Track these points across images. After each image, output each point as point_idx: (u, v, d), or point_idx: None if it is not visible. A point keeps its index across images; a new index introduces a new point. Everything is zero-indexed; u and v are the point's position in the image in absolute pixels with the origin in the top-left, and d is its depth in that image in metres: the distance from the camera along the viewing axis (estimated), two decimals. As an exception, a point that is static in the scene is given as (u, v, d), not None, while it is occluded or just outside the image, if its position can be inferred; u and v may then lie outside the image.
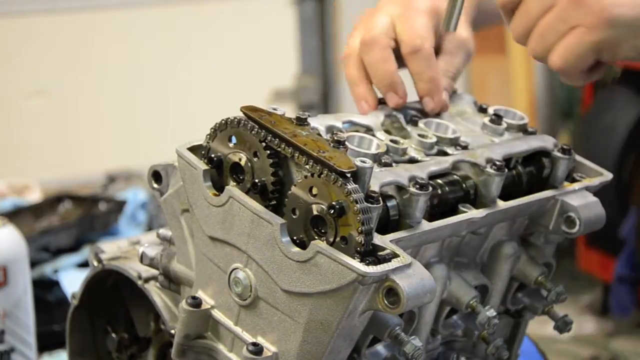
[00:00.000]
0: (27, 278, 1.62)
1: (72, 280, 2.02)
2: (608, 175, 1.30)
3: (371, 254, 1.01)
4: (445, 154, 1.22)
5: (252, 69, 5.06)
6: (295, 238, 1.05)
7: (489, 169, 1.17)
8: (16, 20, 4.68)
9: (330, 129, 1.20)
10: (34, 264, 2.07)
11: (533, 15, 1.01)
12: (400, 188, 1.10)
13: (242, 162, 1.10)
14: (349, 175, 1.01)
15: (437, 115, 1.31)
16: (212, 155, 1.12)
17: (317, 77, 5.29)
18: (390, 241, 1.04)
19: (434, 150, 1.23)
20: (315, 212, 1.03)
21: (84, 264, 2.16)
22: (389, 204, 1.09)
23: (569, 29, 0.98)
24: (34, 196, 2.74)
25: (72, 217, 2.50)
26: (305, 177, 1.04)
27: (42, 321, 1.77)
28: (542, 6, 1.00)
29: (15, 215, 2.40)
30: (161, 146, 2.91)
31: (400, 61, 1.31)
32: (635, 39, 0.95)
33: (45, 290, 2.05)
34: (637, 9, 0.95)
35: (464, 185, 1.18)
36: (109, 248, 1.34)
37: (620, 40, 0.96)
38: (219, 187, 1.11)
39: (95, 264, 1.33)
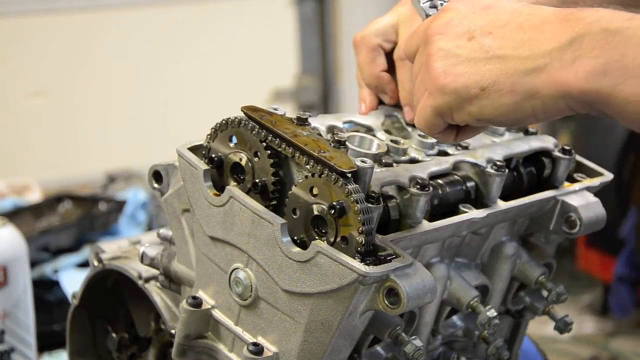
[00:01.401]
0: (27, 278, 1.62)
1: (72, 280, 2.02)
2: (608, 176, 1.30)
3: (372, 254, 1.01)
4: (446, 154, 1.22)
5: (252, 69, 5.05)
6: (295, 238, 1.05)
7: (489, 169, 1.17)
8: (16, 20, 4.68)
9: (331, 129, 1.20)
10: (34, 264, 2.07)
11: (414, 73, 1.05)
12: (400, 188, 1.10)
13: (243, 162, 1.10)
14: (349, 175, 1.01)
15: None
16: (213, 155, 1.11)
17: (317, 77, 5.29)
18: (391, 241, 1.04)
19: (435, 151, 1.23)
20: (315, 212, 1.03)
21: (84, 264, 2.16)
22: (390, 204, 1.09)
23: (424, 93, 1.02)
24: (34, 196, 2.74)
25: (72, 217, 2.50)
26: (306, 177, 1.04)
27: (42, 321, 1.78)
28: (417, 66, 1.04)
29: (15, 215, 2.40)
30: (161, 146, 2.92)
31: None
32: (467, 105, 0.98)
33: (45, 290, 2.05)
34: (464, 78, 0.98)
35: (464, 186, 1.18)
36: (109, 248, 1.33)
37: (452, 106, 0.99)
38: (220, 187, 1.11)
39: (96, 263, 1.33)
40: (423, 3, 1.12)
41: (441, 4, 1.11)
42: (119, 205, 2.52)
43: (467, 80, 0.98)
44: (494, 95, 0.97)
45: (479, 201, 1.18)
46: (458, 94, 0.99)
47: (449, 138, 1.05)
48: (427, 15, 1.10)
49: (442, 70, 0.99)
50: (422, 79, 1.02)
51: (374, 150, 1.16)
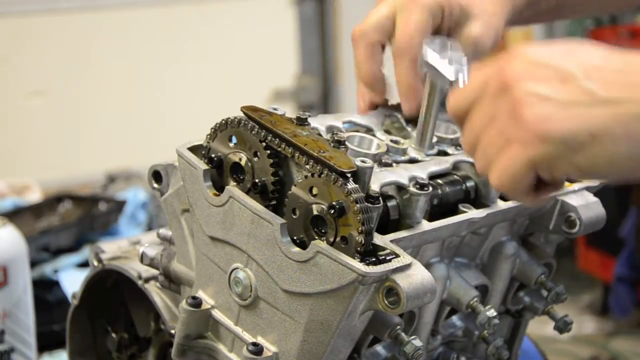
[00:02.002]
0: (27, 278, 1.62)
1: (72, 280, 2.02)
2: (608, 176, 1.29)
3: (371, 254, 1.01)
4: (446, 154, 1.22)
5: (252, 69, 5.06)
6: (295, 238, 1.04)
7: (489, 169, 1.17)
8: (16, 20, 4.69)
9: (331, 129, 1.20)
10: (34, 264, 2.07)
11: (477, 127, 0.95)
12: (400, 188, 1.10)
13: (243, 162, 1.10)
14: (349, 175, 1.01)
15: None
16: (213, 155, 1.11)
17: (317, 77, 5.30)
18: (391, 241, 1.04)
19: (434, 151, 1.23)
20: (315, 212, 1.03)
21: (84, 264, 2.17)
22: (389, 204, 1.09)
23: (507, 145, 0.91)
24: (34, 196, 2.75)
25: (72, 217, 2.50)
26: (306, 177, 1.04)
27: (42, 321, 1.78)
28: (485, 119, 0.93)
29: (15, 215, 2.41)
30: (161, 146, 2.91)
31: None
32: (573, 155, 0.88)
33: (45, 290, 2.05)
34: (571, 124, 0.88)
35: (464, 185, 1.18)
36: (109, 248, 1.33)
37: (555, 157, 0.89)
38: (219, 187, 1.11)
39: (96, 263, 1.33)
40: (430, 57, 1.04)
41: (461, 59, 1.04)
42: (119, 205, 2.53)
43: (575, 126, 0.87)
44: (607, 143, 0.87)
45: (479, 201, 1.18)
46: (564, 142, 0.87)
47: (529, 198, 0.95)
48: (450, 75, 1.03)
49: (541, 116, 0.88)
50: (502, 130, 0.91)
51: (373, 150, 1.16)
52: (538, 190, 0.94)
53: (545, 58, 0.91)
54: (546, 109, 0.88)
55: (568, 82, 0.89)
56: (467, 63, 1.03)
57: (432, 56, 1.04)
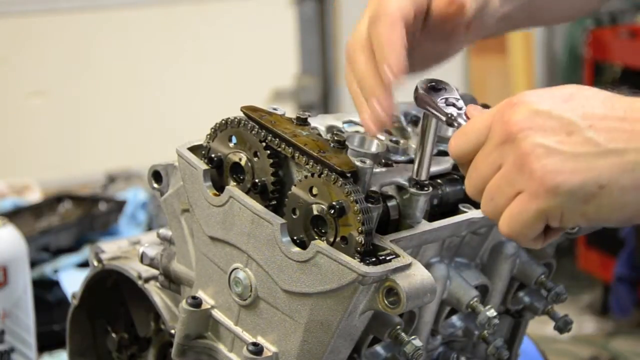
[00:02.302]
0: (27, 278, 1.62)
1: (72, 280, 2.02)
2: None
3: (371, 254, 1.01)
4: (446, 153, 1.22)
5: (252, 69, 5.06)
6: (295, 238, 1.05)
7: (489, 169, 1.17)
8: (16, 20, 4.68)
9: (331, 129, 1.20)
10: (34, 264, 2.07)
11: (482, 174, 0.96)
12: (400, 188, 1.10)
13: (242, 162, 1.10)
14: (349, 175, 1.01)
15: None
16: (213, 155, 1.11)
17: (317, 77, 5.29)
18: (391, 241, 1.04)
19: (435, 150, 1.22)
20: (315, 212, 1.03)
21: (84, 264, 2.17)
22: (389, 204, 1.09)
23: (515, 193, 0.93)
24: (34, 196, 2.74)
25: (72, 217, 2.50)
26: (306, 177, 1.04)
27: (42, 321, 1.77)
28: (490, 166, 0.95)
29: (15, 215, 2.40)
30: (161, 146, 2.92)
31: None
32: (582, 206, 0.90)
33: (45, 290, 2.05)
34: (579, 176, 0.89)
35: (464, 185, 1.18)
36: (109, 248, 1.33)
37: (564, 208, 0.90)
38: (219, 187, 1.11)
39: (96, 263, 1.33)
40: (439, 101, 1.03)
41: (457, 100, 1.03)
42: (119, 205, 2.53)
43: (583, 178, 0.89)
44: (616, 193, 0.89)
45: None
46: (573, 195, 0.89)
47: (538, 243, 0.96)
48: (448, 115, 1.02)
49: (549, 169, 0.90)
50: (510, 180, 0.92)
51: (373, 150, 1.16)
52: (546, 235, 0.96)
53: (548, 107, 0.92)
54: (554, 161, 0.90)
55: (573, 134, 0.90)
56: (463, 105, 1.04)
57: (427, 95, 1.04)
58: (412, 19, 1.10)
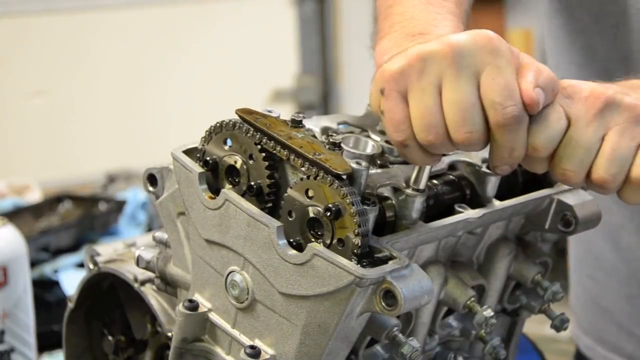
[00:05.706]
0: (27, 278, 1.62)
1: (72, 280, 2.03)
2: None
3: (368, 256, 1.01)
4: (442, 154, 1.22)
5: (252, 69, 5.06)
6: (291, 240, 1.04)
7: (484, 169, 1.17)
8: (16, 20, 4.69)
9: (326, 131, 1.20)
10: (34, 264, 2.08)
11: (591, 146, 0.99)
12: (396, 189, 1.10)
13: (238, 165, 1.09)
14: (344, 177, 1.01)
15: None
16: (208, 158, 1.11)
17: (317, 77, 5.29)
18: (387, 243, 1.04)
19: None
20: (311, 215, 1.03)
21: (84, 264, 2.17)
22: (385, 205, 1.09)
23: (638, 146, 0.99)
24: (34, 196, 2.75)
25: (72, 217, 2.51)
26: (301, 179, 1.04)
27: (42, 321, 1.78)
28: (597, 135, 0.99)
29: (15, 215, 2.41)
30: (161, 146, 2.91)
31: None
32: None
33: (45, 290, 2.06)
34: None
35: (460, 186, 1.18)
36: (105, 251, 1.33)
37: None
38: (215, 190, 1.11)
39: (91, 266, 1.33)
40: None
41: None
42: (119, 205, 2.53)
43: None
44: None
45: (475, 201, 1.18)
46: None
47: None
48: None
49: None
50: (635, 137, 0.99)
51: (368, 151, 1.16)
52: None
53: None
54: None
55: None
56: None
57: None
58: None
